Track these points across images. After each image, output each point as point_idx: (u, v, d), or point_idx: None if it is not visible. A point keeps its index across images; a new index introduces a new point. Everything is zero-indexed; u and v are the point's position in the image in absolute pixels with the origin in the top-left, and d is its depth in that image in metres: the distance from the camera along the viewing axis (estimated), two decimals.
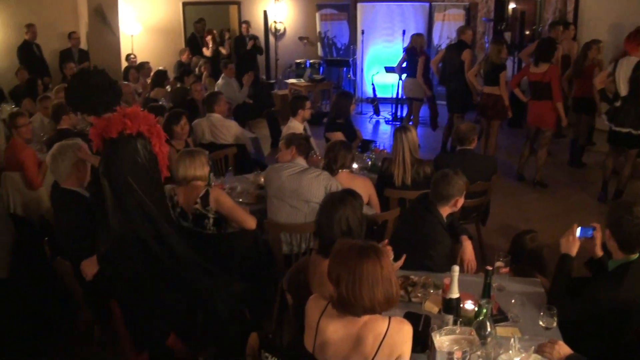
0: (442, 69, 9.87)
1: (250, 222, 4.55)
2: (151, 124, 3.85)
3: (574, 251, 3.56)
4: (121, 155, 3.73)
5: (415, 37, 10.32)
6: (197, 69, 11.64)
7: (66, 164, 4.26)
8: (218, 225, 4.59)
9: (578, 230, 3.57)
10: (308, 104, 6.71)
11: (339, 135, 6.52)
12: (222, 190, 4.67)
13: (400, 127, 5.59)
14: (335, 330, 2.69)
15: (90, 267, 3.94)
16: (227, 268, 4.46)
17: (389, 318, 2.65)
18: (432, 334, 2.84)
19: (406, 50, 10.49)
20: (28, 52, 11.41)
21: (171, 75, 11.37)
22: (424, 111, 11.00)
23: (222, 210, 4.51)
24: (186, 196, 4.52)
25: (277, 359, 3.19)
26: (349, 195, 3.53)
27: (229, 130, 7.00)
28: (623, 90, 7.10)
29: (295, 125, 6.52)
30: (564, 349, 2.96)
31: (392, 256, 3.70)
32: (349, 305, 2.59)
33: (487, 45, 13.06)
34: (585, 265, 3.91)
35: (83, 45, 12.06)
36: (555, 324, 3.18)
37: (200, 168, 4.54)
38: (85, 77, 3.94)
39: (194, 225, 4.53)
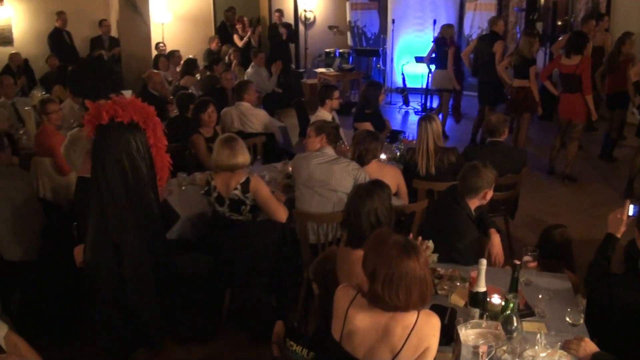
0: (474, 60, 9.79)
1: (282, 215, 4.59)
2: (148, 115, 3.74)
3: (620, 231, 3.50)
4: (110, 143, 3.63)
5: (445, 27, 10.26)
6: (226, 58, 11.68)
7: (77, 153, 4.29)
8: (253, 212, 4.63)
9: (631, 208, 3.49)
10: (336, 93, 6.70)
11: (367, 126, 6.50)
12: (261, 179, 4.70)
13: (424, 115, 5.56)
14: (363, 320, 2.69)
15: (80, 253, 3.94)
16: (253, 256, 4.51)
17: (418, 310, 2.65)
18: (458, 327, 2.84)
19: (435, 40, 10.43)
20: (59, 40, 11.55)
21: (201, 63, 11.42)
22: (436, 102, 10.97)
23: (258, 199, 4.55)
24: (225, 182, 4.55)
25: (302, 348, 3.21)
26: (377, 187, 3.53)
27: (257, 119, 7.02)
28: None
29: (324, 115, 6.52)
30: (590, 346, 2.94)
31: (432, 247, 3.71)
32: (381, 301, 2.58)
33: (518, 35, 12.91)
34: (624, 261, 3.87)
35: (114, 33, 12.16)
36: (582, 321, 3.16)
37: (242, 155, 4.57)
38: (84, 63, 4.00)
39: (229, 210, 4.58)
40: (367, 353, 2.70)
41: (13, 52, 10.86)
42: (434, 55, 10.38)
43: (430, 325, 2.64)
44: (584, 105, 7.79)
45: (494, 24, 9.51)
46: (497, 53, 9.05)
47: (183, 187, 5.39)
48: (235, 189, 4.51)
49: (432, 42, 10.64)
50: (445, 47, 9.97)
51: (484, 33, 10.79)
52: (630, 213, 3.48)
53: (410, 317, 2.63)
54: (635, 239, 3.47)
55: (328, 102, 6.59)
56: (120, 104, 3.64)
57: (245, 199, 4.53)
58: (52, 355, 4.35)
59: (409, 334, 2.60)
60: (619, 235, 3.51)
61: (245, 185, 4.51)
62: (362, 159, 5.05)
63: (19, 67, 10.54)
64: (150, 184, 3.77)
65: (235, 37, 12.70)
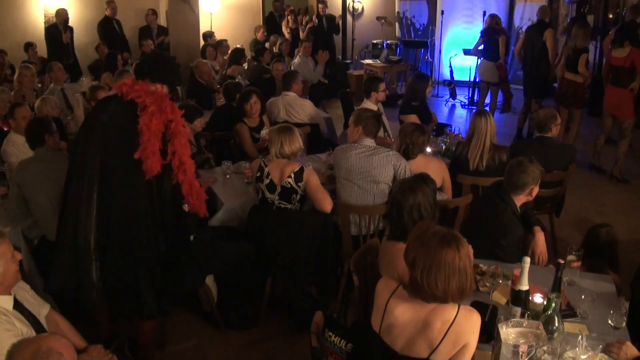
0: (524, 53, 9.64)
1: (328, 206, 4.61)
2: (158, 99, 3.70)
3: None
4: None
5: (490, 18, 10.14)
6: (274, 47, 11.72)
7: None
8: (302, 202, 4.68)
9: None
10: (382, 85, 6.66)
11: (413, 118, 6.47)
12: (313, 170, 4.74)
13: (481, 110, 5.51)
14: (403, 312, 2.70)
15: None
16: (297, 245, 4.54)
17: (458, 305, 2.64)
18: (499, 325, 2.82)
19: (483, 32, 10.31)
20: (108, 28, 11.73)
21: (248, 53, 11.50)
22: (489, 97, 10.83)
23: (308, 188, 4.60)
24: (279, 169, 4.60)
25: (340, 339, 3.23)
26: (421, 181, 3.52)
27: (303, 109, 7.05)
28: None
29: (369, 107, 6.51)
30: (631, 350, 2.89)
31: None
32: (420, 290, 2.59)
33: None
34: None
35: (162, 22, 12.31)
36: (624, 324, 3.11)
37: (297, 144, 4.64)
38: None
39: (279, 198, 4.62)
40: (405, 346, 2.70)
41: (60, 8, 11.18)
42: (482, 46, 10.26)
43: (470, 322, 2.63)
44: (631, 101, 7.61)
45: (543, 12, 9.34)
46: (548, 41, 8.88)
47: (227, 176, 5.46)
48: (289, 177, 4.55)
49: (480, 34, 10.51)
50: (495, 36, 9.84)
51: (532, 24, 10.59)
52: None
53: (450, 311, 2.62)
54: None
55: (373, 94, 6.56)
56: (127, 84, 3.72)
57: (297, 187, 4.57)
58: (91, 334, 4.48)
59: (448, 328, 2.60)
60: None
61: (299, 175, 4.55)
62: (408, 153, 5.03)
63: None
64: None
65: (284, 28, 12.74)
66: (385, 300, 2.77)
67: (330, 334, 3.25)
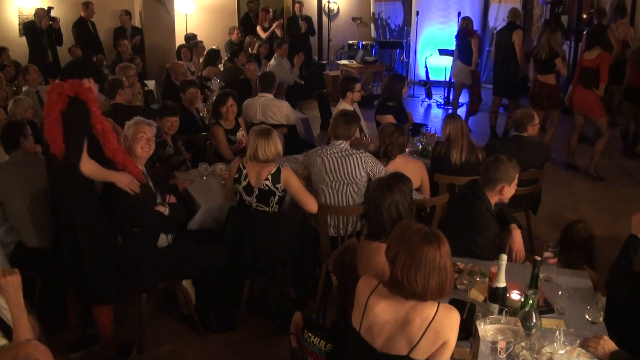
0: (495, 53, 9.74)
1: (313, 206, 4.61)
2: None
3: None
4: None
5: (462, 20, 10.24)
6: (249, 49, 11.69)
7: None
8: (280, 203, 4.66)
9: None
10: (358, 86, 6.67)
11: (389, 119, 6.48)
12: (291, 170, 4.72)
13: (450, 115, 5.58)
14: (383, 310, 2.70)
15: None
16: (276, 246, 4.53)
17: (438, 303, 2.65)
18: (477, 322, 2.83)
19: (456, 34, 10.41)
20: (83, 30, 11.59)
21: (223, 54, 11.45)
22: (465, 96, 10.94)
23: (290, 190, 4.59)
24: (257, 171, 4.58)
25: (320, 339, 3.23)
26: (398, 180, 3.51)
27: (280, 110, 7.01)
28: None
29: (345, 107, 6.51)
30: (609, 344, 2.92)
31: None
32: (400, 287, 2.59)
33: None
34: None
35: (137, 23, 12.22)
36: (601, 319, 3.14)
37: (276, 146, 4.60)
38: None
39: (257, 201, 4.59)
40: (385, 343, 2.70)
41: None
42: (455, 47, 10.36)
43: (449, 319, 2.63)
44: (599, 101, 7.72)
45: (512, 14, 9.48)
46: (517, 41, 8.98)
47: (204, 178, 5.42)
48: (266, 179, 4.53)
49: (455, 37, 10.59)
50: (467, 38, 9.91)
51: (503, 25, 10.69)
52: None
53: (430, 309, 2.63)
54: None
55: (349, 94, 6.57)
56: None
57: (275, 189, 4.55)
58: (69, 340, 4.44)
59: (428, 326, 2.60)
60: None
61: (276, 176, 4.54)
62: (387, 154, 5.05)
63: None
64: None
65: (259, 29, 12.69)
66: (366, 299, 2.77)
67: (310, 334, 3.24)
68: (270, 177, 4.53)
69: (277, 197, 4.59)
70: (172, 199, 4.53)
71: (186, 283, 4.55)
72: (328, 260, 3.81)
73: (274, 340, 4.56)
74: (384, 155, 5.02)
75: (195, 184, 5.31)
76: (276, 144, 4.61)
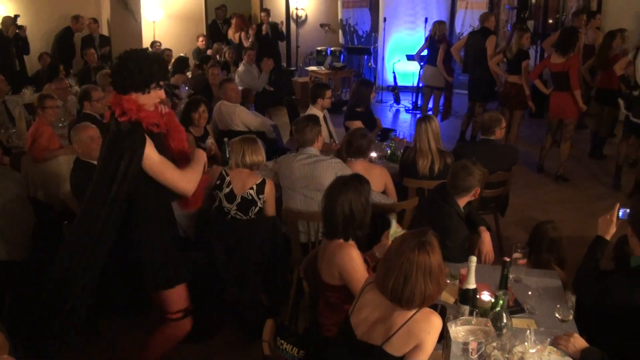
0: (465, 56, 9.80)
1: (273, 210, 4.68)
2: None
3: (610, 233, 3.51)
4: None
5: (436, 24, 10.26)
6: (217, 56, 11.65)
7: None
8: (259, 214, 4.63)
9: (620, 211, 3.50)
10: (328, 92, 6.69)
11: (358, 124, 6.50)
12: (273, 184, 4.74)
13: (424, 116, 5.56)
14: (373, 299, 2.73)
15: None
16: (248, 253, 4.50)
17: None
18: (448, 324, 2.84)
19: (427, 38, 10.45)
20: (68, 41, 11.54)
21: (192, 62, 11.39)
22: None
23: (269, 200, 4.61)
24: (241, 180, 4.56)
25: (292, 346, 3.22)
26: (355, 180, 3.49)
27: (238, 116, 7.00)
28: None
29: (315, 113, 6.51)
30: (579, 342, 2.95)
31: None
32: (378, 284, 2.66)
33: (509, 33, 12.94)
34: (612, 260, 3.87)
35: (104, 31, 12.11)
36: (571, 317, 3.18)
37: (259, 154, 4.62)
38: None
39: (237, 209, 4.56)
40: (366, 332, 2.72)
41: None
42: (425, 52, 10.39)
43: (428, 322, 2.62)
44: (574, 103, 7.82)
45: (486, 19, 9.49)
46: (489, 48, 9.05)
47: None
48: (251, 188, 4.53)
49: (425, 40, 10.65)
50: (437, 44, 9.98)
51: (475, 29, 10.78)
52: (620, 215, 3.49)
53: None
54: (625, 236, 3.49)
55: (320, 100, 6.58)
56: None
57: (258, 200, 4.55)
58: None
59: (405, 322, 2.61)
60: (608, 238, 3.51)
61: (261, 187, 4.56)
62: (342, 155, 5.09)
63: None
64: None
65: (243, 35, 12.62)
66: (364, 286, 2.83)
67: (282, 341, 3.23)
68: (255, 187, 4.53)
69: (257, 208, 4.57)
70: None
71: None
72: (299, 266, 3.80)
73: (247, 348, 4.52)
74: (341, 157, 5.05)
75: None
76: (261, 152, 4.65)
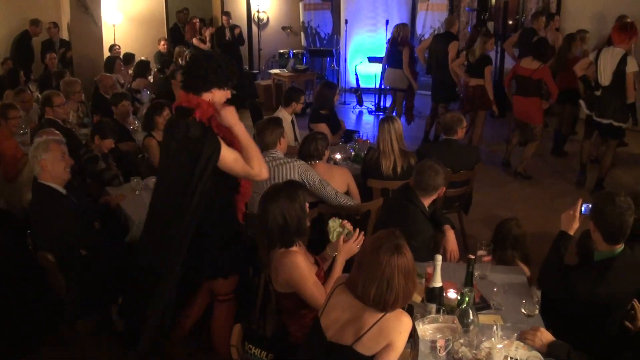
0: (428, 59, 9.88)
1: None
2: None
3: (573, 228, 3.56)
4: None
5: (400, 26, 10.30)
6: (179, 59, 11.56)
7: (40, 158, 4.21)
8: None
9: (583, 206, 3.56)
10: (302, 98, 6.70)
11: (323, 127, 6.51)
12: None
13: (386, 117, 5.59)
14: (344, 300, 2.71)
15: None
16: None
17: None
18: (415, 323, 2.85)
19: (389, 41, 10.51)
20: (25, 45, 11.36)
21: (153, 66, 11.29)
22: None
23: None
24: None
25: (261, 350, 3.20)
26: (288, 186, 3.44)
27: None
28: (604, 79, 7.13)
29: (284, 116, 6.49)
30: (546, 335, 2.99)
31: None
32: (349, 284, 2.66)
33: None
34: (576, 255, 3.93)
35: (65, 35, 11.94)
36: (537, 312, 3.22)
37: None
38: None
39: None
40: (336, 333, 2.71)
41: None
42: (387, 54, 10.46)
43: (398, 322, 2.63)
44: (537, 108, 7.98)
45: (451, 24, 9.61)
46: (451, 52, 9.13)
47: (137, 192, 5.29)
48: None
49: (386, 43, 10.70)
50: (398, 47, 10.02)
51: (438, 32, 10.88)
52: (583, 211, 3.55)
53: None
54: (589, 231, 3.54)
55: (294, 104, 6.58)
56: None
57: None
58: None
59: (376, 322, 2.61)
60: (571, 233, 3.57)
61: None
62: (307, 161, 5.09)
63: None
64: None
65: (196, 40, 12.55)
66: (334, 288, 2.81)
67: (250, 346, 3.22)
68: None
69: None
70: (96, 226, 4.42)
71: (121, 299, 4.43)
72: (266, 269, 3.78)
73: (215, 355, 4.48)
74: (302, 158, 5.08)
75: (128, 199, 5.19)
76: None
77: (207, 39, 12.64)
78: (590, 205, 3.53)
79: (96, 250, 4.33)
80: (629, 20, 7.84)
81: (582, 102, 7.73)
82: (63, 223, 4.12)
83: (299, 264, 3.25)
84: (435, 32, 11.82)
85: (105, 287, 4.28)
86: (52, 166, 4.23)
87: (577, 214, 3.55)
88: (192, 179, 3.49)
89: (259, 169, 3.67)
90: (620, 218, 3.27)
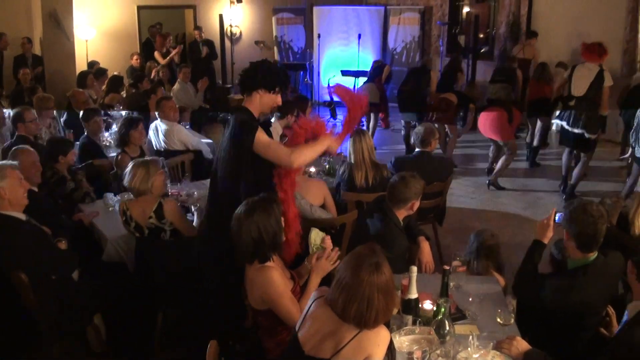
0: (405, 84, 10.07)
1: (192, 232, 4.57)
2: None
3: (547, 237, 3.60)
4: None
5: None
6: (152, 74, 11.50)
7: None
8: (175, 236, 4.51)
9: (557, 215, 3.60)
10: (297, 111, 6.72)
11: None
12: (173, 201, 4.61)
13: (357, 130, 5.61)
14: (322, 313, 2.69)
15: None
16: (182, 274, 4.42)
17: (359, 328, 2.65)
18: (392, 335, 2.85)
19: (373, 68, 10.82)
20: None
21: (126, 80, 11.21)
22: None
23: (172, 219, 4.45)
24: (141, 210, 4.41)
25: None
26: (263, 200, 3.39)
27: (177, 135, 6.91)
28: (579, 90, 7.33)
29: (277, 128, 6.48)
30: (522, 344, 3.01)
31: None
32: (329, 301, 2.63)
33: (442, 48, 13.24)
34: (550, 263, 3.97)
35: (37, 51, 11.83)
36: (512, 321, 3.24)
37: (154, 179, 4.44)
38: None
39: (152, 238, 4.46)
40: (314, 346, 2.69)
41: None
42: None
43: (377, 335, 2.63)
44: (507, 124, 8.09)
45: (426, 61, 10.06)
46: (433, 79, 9.45)
47: (110, 209, 5.23)
48: (150, 217, 4.38)
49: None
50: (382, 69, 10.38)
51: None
52: (557, 220, 3.59)
53: None
54: (562, 239, 3.59)
55: (289, 117, 6.60)
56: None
57: (163, 225, 4.41)
58: None
59: (355, 335, 2.60)
60: (546, 242, 3.61)
61: (159, 212, 4.39)
62: None
63: None
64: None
65: (157, 54, 12.50)
66: (312, 301, 2.79)
67: None
68: (154, 215, 4.38)
69: (168, 232, 4.46)
70: (63, 245, 4.33)
71: (96, 319, 4.36)
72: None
73: None
74: None
75: (101, 216, 5.13)
76: (156, 176, 4.46)
77: (174, 55, 12.51)
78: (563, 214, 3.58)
79: (68, 271, 4.24)
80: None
81: (556, 118, 7.86)
82: (27, 252, 3.94)
83: (275, 280, 3.22)
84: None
85: (81, 308, 4.20)
86: (10, 194, 3.97)
87: (552, 223, 3.60)
88: (234, 162, 3.85)
89: (294, 160, 3.84)
90: (594, 227, 3.32)
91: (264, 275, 3.24)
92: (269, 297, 3.21)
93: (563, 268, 3.55)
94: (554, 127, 8.51)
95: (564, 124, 7.51)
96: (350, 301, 2.54)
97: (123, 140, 6.00)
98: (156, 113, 7.04)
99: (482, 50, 13.18)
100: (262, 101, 3.93)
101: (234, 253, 3.39)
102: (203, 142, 7.34)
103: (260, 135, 3.79)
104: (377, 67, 10.61)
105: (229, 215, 3.42)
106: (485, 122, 8.35)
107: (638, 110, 6.98)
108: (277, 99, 3.98)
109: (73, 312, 4.14)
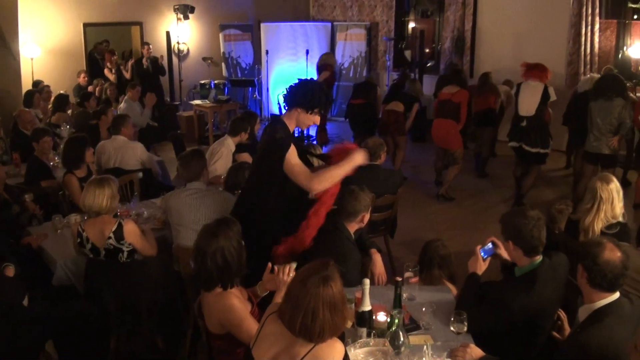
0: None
1: (152, 251, 4.55)
2: None
3: (481, 269, 3.67)
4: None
5: (322, 56, 10.67)
6: (96, 91, 11.34)
7: None
8: (131, 256, 4.46)
9: (481, 253, 3.68)
10: (249, 128, 6.70)
11: (246, 157, 6.48)
12: (133, 221, 4.55)
13: (307, 144, 5.66)
14: (276, 329, 2.68)
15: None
16: (136, 297, 4.36)
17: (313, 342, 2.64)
18: (347, 348, 2.86)
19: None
20: None
21: (72, 99, 11.02)
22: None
23: (135, 242, 4.41)
24: (98, 230, 4.34)
25: None
26: (224, 225, 3.35)
27: (134, 152, 6.81)
28: (527, 110, 7.64)
29: (229, 145, 6.45)
30: (475, 351, 3.06)
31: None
32: (279, 314, 2.63)
33: (388, 63, 13.40)
34: (502, 271, 4.04)
35: None
36: (465, 329, 3.28)
37: (110, 199, 4.37)
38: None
39: (107, 259, 4.39)
40: None
41: None
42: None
43: (332, 350, 2.63)
44: (458, 133, 8.26)
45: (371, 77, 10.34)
46: (379, 99, 9.64)
47: (59, 231, 5.14)
48: (109, 237, 4.32)
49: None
50: (322, 71, 10.32)
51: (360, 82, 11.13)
52: (483, 255, 3.68)
53: None
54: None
55: (242, 134, 6.56)
56: None
57: (121, 246, 4.36)
58: None
59: (309, 351, 2.59)
60: (479, 273, 3.67)
61: (119, 232, 4.33)
62: (231, 190, 5.10)
63: None
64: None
65: (106, 71, 12.36)
66: (266, 317, 2.78)
67: None
68: (112, 235, 4.33)
69: (125, 253, 4.41)
70: (10, 271, 4.24)
71: (48, 346, 4.26)
72: (194, 304, 3.73)
73: None
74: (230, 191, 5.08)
75: (49, 239, 5.03)
76: (112, 196, 4.40)
77: (126, 70, 12.41)
78: (489, 246, 3.68)
79: (17, 299, 4.13)
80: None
81: (510, 141, 8.03)
82: None
83: (235, 306, 3.20)
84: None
85: (32, 335, 4.07)
86: None
87: (480, 260, 3.67)
88: (265, 174, 4.04)
89: (313, 185, 3.97)
90: (537, 229, 3.41)
91: (224, 302, 3.21)
92: (229, 323, 3.19)
93: (511, 277, 3.61)
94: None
95: (523, 144, 7.75)
96: (295, 313, 2.53)
97: (71, 161, 5.88)
98: (109, 132, 6.92)
99: (428, 65, 13.42)
100: (299, 118, 4.08)
101: (196, 280, 3.37)
102: (153, 160, 7.27)
103: (290, 155, 3.93)
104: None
105: (255, 217, 3.89)
106: (438, 131, 8.52)
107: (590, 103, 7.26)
108: (315, 119, 4.13)
109: (24, 340, 4.02)
